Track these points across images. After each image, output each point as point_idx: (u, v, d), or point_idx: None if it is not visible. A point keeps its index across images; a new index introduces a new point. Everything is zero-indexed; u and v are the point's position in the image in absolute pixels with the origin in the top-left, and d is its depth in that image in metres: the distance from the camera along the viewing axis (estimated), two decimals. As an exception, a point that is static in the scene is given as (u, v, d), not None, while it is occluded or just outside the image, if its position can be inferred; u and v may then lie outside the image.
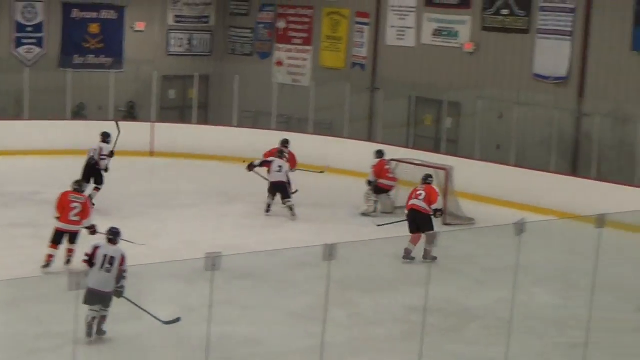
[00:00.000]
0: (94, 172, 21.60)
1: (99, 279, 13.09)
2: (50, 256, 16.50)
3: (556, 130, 23.46)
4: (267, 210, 21.74)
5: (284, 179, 21.58)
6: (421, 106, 27.06)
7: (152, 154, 27.59)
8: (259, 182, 23.88)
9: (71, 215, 16.61)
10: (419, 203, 18.21)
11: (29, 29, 30.20)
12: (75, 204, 16.67)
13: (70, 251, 16.68)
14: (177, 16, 32.18)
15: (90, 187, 20.96)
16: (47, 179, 24.02)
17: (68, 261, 16.65)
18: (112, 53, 31.16)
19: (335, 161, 25.21)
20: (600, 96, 23.44)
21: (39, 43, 30.36)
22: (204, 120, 30.78)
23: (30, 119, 27.49)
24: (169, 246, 18.22)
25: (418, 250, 17.55)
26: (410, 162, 22.48)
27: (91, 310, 13.02)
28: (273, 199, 21.70)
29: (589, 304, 12.23)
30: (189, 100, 30.74)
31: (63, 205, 16.72)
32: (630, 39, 22.93)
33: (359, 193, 22.46)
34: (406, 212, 18.67)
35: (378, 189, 21.83)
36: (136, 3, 31.26)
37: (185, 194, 23.22)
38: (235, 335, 13.40)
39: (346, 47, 29.44)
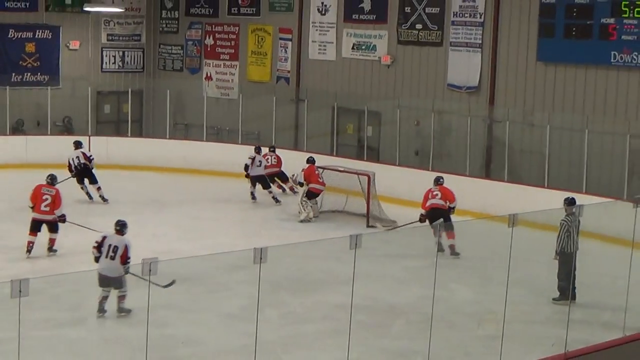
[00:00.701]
0: (86, 173, 23.18)
1: (105, 266, 14.23)
2: (30, 242, 17.86)
3: (470, 136, 23.64)
4: (253, 198, 23.68)
5: (262, 172, 23.69)
6: (343, 116, 27.14)
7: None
8: (193, 190, 23.96)
9: (42, 205, 17.96)
10: (438, 201, 19.06)
11: (-33, 49, 29.92)
12: (46, 196, 18.03)
13: (51, 240, 18.09)
14: (109, 35, 31.97)
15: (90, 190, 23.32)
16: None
17: (50, 249, 18.08)
18: (48, 71, 30.87)
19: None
20: (509, 104, 23.68)
21: (-23, 63, 30.06)
22: (138, 133, 30.62)
23: (-30, 135, 27.23)
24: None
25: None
26: (334, 168, 22.55)
27: (103, 290, 14.11)
28: (255, 188, 23.50)
29: (504, 298, 12.34)
30: (123, 114, 30.58)
31: (36, 197, 18.09)
32: (535, 49, 23.17)
33: (288, 199, 22.50)
34: (423, 212, 19.24)
35: (310, 194, 21.85)
36: (70, 23, 31.01)
37: (121, 203, 23.04)
38: (174, 336, 13.33)
39: (271, 61, 29.47)
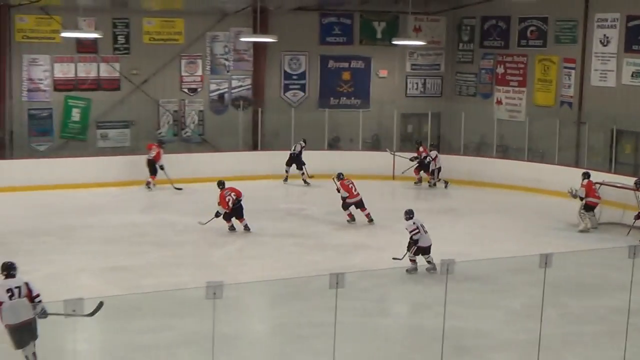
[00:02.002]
0: (296, 160, 26.75)
1: (425, 237, 16.85)
2: (367, 214, 21.22)
3: None
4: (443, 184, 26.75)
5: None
6: (621, 137, 26.17)
7: (393, 177, 27.81)
8: (482, 201, 23.78)
9: (353, 191, 21.22)
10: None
11: (295, 77, 31.00)
12: (350, 185, 21.29)
13: (368, 215, 21.28)
14: (413, 64, 32.32)
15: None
16: (309, 198, 24.67)
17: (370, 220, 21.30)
18: (361, 95, 31.58)
19: (546, 184, 24.90)
20: None
21: (302, 88, 31.11)
22: (437, 149, 30.67)
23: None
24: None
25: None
26: (612, 184, 21.89)
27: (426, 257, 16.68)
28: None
29: None
30: (424, 133, 30.81)
31: (348, 190, 21.23)
32: None
33: (569, 210, 21.94)
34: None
35: (587, 207, 21.26)
36: (380, 54, 31.58)
37: (420, 210, 23.18)
38: (465, 328, 13.30)
39: (556, 88, 28.84)
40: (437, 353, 10.58)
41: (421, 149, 27.23)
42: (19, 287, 11.48)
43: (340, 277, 9.20)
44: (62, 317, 9.45)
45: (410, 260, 16.51)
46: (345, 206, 21.34)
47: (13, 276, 11.61)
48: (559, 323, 13.84)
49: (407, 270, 16.31)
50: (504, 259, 16.07)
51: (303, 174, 26.61)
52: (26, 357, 11.43)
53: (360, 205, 21.29)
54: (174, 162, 25.67)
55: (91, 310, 10.76)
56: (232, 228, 20.11)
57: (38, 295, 11.52)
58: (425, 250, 16.55)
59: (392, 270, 15.56)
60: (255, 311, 14.66)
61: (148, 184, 25.36)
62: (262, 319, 14.58)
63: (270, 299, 15.20)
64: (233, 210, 19.95)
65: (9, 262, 11.69)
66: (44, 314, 11.23)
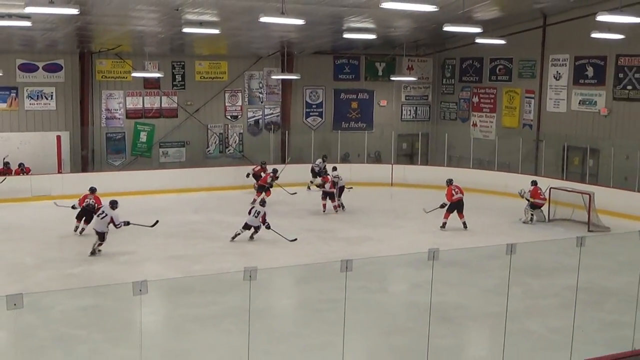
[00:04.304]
0: (319, 174, 25.82)
1: (250, 219, 18.32)
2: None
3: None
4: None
5: None
6: (571, 152, 26.05)
7: (391, 184, 27.71)
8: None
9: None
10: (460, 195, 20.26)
11: (314, 106, 30.98)
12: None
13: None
14: (407, 95, 32.28)
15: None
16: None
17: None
18: (366, 120, 31.53)
19: (511, 189, 24.68)
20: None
21: (320, 115, 31.08)
22: (425, 162, 30.61)
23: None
24: (403, 244, 18.22)
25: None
26: (564, 189, 21.72)
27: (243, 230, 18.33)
28: None
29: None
30: (415, 149, 30.75)
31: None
32: None
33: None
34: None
35: (533, 206, 21.20)
36: (381, 88, 31.56)
37: (413, 210, 23.12)
38: (448, 302, 13.24)
39: (519, 113, 28.74)
40: (426, 322, 10.48)
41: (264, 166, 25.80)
42: (107, 214, 16.64)
43: (349, 262, 9.13)
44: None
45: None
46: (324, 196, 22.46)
47: (114, 208, 16.80)
48: (522, 298, 13.76)
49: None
50: (477, 248, 15.96)
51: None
52: (94, 246, 16.69)
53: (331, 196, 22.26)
54: (221, 174, 25.98)
55: (152, 224, 17.77)
56: (78, 229, 18.69)
57: (118, 223, 16.71)
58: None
59: (390, 257, 15.45)
60: (282, 290, 14.60)
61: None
62: (287, 296, 14.52)
63: (294, 280, 15.15)
64: (83, 210, 18.57)
65: (114, 199, 17.03)
66: (127, 223, 16.84)
